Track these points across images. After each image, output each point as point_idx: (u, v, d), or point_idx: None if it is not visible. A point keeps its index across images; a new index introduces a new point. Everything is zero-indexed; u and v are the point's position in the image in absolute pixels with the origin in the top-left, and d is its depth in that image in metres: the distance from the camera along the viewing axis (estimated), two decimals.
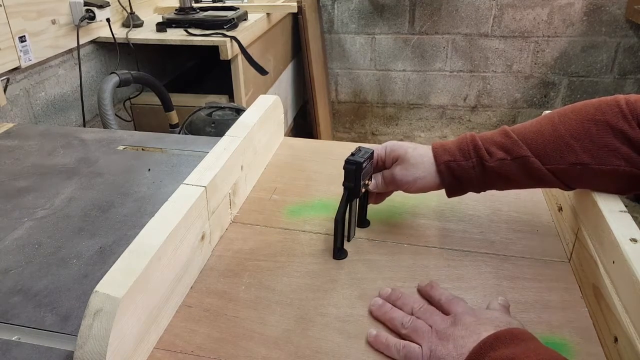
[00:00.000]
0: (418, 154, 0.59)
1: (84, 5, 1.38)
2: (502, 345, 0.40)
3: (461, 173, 0.57)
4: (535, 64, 2.40)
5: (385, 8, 2.40)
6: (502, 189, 0.60)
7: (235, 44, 1.51)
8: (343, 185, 0.58)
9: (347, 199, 0.58)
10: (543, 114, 0.60)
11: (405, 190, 0.60)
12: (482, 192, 0.59)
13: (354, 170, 0.56)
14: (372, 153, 0.59)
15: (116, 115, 1.34)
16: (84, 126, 1.43)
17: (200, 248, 0.57)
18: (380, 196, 0.64)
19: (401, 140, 2.83)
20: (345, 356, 0.47)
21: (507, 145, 0.55)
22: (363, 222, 0.66)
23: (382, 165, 0.62)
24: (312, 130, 2.37)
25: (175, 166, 0.81)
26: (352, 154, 0.57)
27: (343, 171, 0.58)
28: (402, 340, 0.47)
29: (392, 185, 0.60)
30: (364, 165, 0.57)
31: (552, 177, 0.54)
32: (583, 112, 0.54)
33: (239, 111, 1.36)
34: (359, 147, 0.59)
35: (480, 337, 0.42)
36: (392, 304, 0.51)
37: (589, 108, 0.54)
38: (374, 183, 0.62)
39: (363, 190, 0.59)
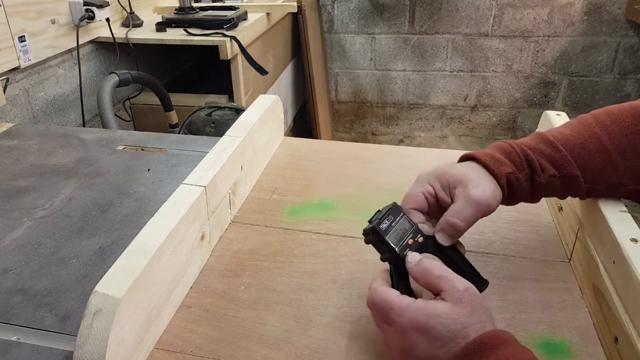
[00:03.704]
0: (469, 168, 0.49)
1: (84, 5, 1.38)
2: None
3: (517, 187, 0.49)
4: (535, 63, 2.40)
5: (385, 8, 2.40)
6: (534, 202, 0.53)
7: (235, 44, 1.51)
8: (381, 260, 0.47)
9: (395, 271, 0.46)
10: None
11: (487, 213, 0.48)
12: None
13: (372, 238, 0.46)
14: (394, 205, 0.48)
15: (116, 115, 1.34)
16: (84, 126, 1.43)
17: (200, 248, 0.57)
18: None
19: (401, 140, 2.81)
20: (345, 356, 0.47)
21: (557, 160, 0.50)
22: (477, 282, 0.46)
23: (443, 199, 0.49)
24: (312, 130, 2.37)
25: (175, 166, 0.81)
26: (369, 221, 0.47)
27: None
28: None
29: (475, 212, 0.47)
30: (382, 226, 0.46)
31: (585, 194, 0.51)
32: (622, 121, 0.51)
33: (238, 111, 1.36)
34: (378, 210, 0.48)
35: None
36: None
37: (627, 117, 0.51)
38: (442, 237, 0.47)
39: (405, 254, 0.46)
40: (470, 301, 0.40)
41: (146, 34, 1.58)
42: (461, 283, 0.41)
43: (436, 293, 0.42)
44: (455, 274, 0.42)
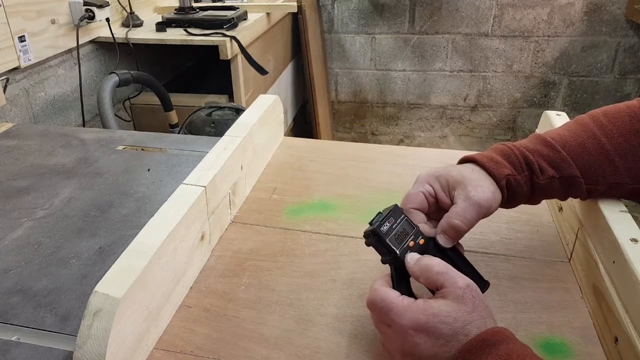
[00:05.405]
0: (469, 170, 0.49)
1: (84, 5, 1.38)
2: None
3: (517, 188, 0.49)
4: (535, 63, 2.40)
5: (385, 8, 2.40)
6: (534, 204, 0.53)
7: (235, 44, 1.51)
8: (382, 262, 0.47)
9: (396, 273, 0.46)
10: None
11: (487, 214, 0.48)
12: None
13: (373, 241, 0.46)
14: (395, 207, 0.47)
15: (116, 115, 1.34)
16: (84, 126, 1.42)
17: (200, 248, 0.57)
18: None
19: (401, 140, 2.81)
20: (345, 356, 0.47)
21: (556, 162, 0.50)
22: (478, 283, 0.44)
23: (442, 200, 0.49)
24: (312, 130, 2.37)
25: (175, 166, 0.81)
26: (370, 223, 0.47)
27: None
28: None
29: (477, 214, 0.47)
30: (383, 228, 0.45)
31: (586, 195, 0.51)
32: (619, 121, 0.51)
33: (238, 111, 1.36)
34: (379, 212, 0.47)
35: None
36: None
37: (623, 117, 0.51)
38: (444, 239, 0.47)
39: (405, 256, 0.45)
40: (472, 298, 0.40)
41: (146, 34, 1.58)
42: (462, 279, 0.41)
43: (436, 289, 0.42)
44: (455, 271, 0.42)
